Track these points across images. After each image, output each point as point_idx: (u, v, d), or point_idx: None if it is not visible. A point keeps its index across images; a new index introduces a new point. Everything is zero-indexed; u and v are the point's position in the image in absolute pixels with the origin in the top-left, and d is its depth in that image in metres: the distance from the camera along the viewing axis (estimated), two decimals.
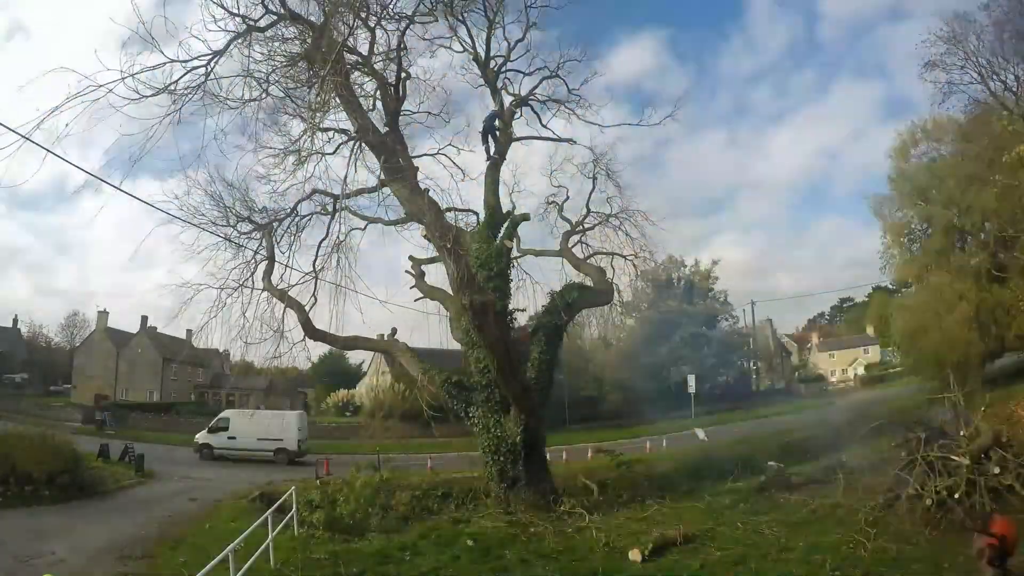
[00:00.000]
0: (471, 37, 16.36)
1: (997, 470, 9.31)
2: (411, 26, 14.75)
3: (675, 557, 9.59)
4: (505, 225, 16.17)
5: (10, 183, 10.08)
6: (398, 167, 14.17)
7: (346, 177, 12.83)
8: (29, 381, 58.45)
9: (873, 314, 53.33)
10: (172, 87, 11.93)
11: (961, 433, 10.35)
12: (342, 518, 13.48)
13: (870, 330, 59.73)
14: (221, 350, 51.28)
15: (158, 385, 52.98)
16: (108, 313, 55.43)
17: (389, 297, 15.69)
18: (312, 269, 14.76)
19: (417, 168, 15.34)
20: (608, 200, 17.77)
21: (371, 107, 14.90)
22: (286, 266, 14.87)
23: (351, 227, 15.15)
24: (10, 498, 14.64)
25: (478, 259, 14.76)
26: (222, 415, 29.75)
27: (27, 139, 9.12)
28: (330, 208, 14.81)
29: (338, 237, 14.31)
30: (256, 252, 14.74)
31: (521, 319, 15.95)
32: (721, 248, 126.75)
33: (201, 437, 28.55)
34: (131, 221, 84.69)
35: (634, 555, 9.58)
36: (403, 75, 15.06)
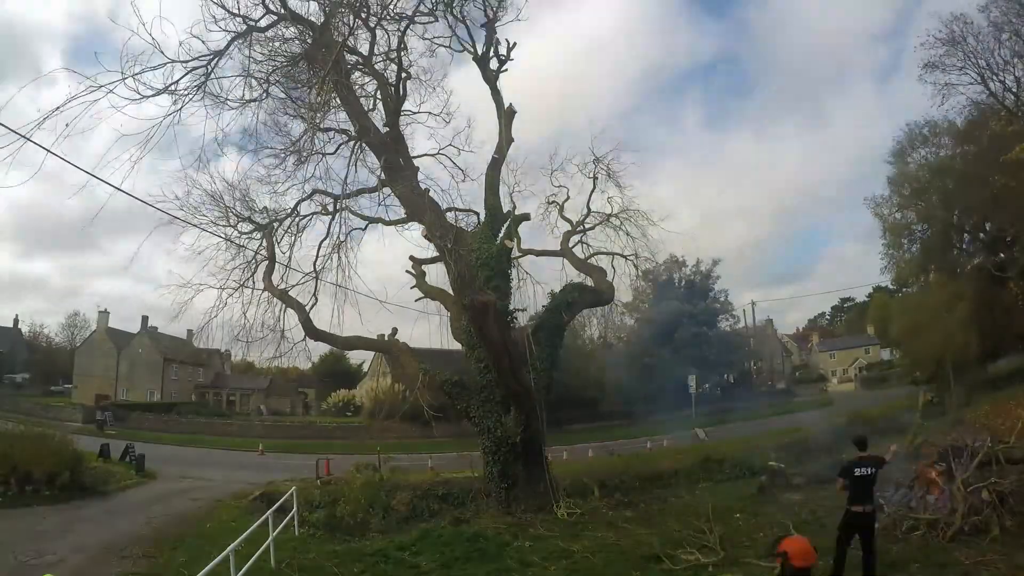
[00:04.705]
0: (471, 36, 16.38)
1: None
2: (411, 26, 14.78)
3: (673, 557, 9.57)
4: (506, 225, 16.14)
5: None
6: (398, 167, 14.20)
7: (347, 177, 12.94)
8: (30, 381, 58.52)
9: (873, 314, 53.52)
10: (172, 87, 11.97)
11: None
12: (343, 518, 13.50)
13: (870, 330, 59.78)
14: (222, 350, 51.62)
15: (159, 385, 53.02)
16: (109, 313, 55.50)
17: (389, 297, 15.73)
18: (312, 269, 14.82)
19: (417, 168, 15.39)
20: (609, 200, 17.81)
21: (371, 107, 14.95)
22: (286, 266, 14.94)
23: (351, 227, 15.21)
24: (10, 498, 14.64)
25: (478, 259, 14.75)
26: None
27: (27, 139, 9.13)
28: (330, 208, 14.90)
29: (338, 237, 14.37)
30: (256, 252, 14.78)
31: (521, 319, 15.94)
32: None
33: None
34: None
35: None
36: (403, 75, 15.08)
